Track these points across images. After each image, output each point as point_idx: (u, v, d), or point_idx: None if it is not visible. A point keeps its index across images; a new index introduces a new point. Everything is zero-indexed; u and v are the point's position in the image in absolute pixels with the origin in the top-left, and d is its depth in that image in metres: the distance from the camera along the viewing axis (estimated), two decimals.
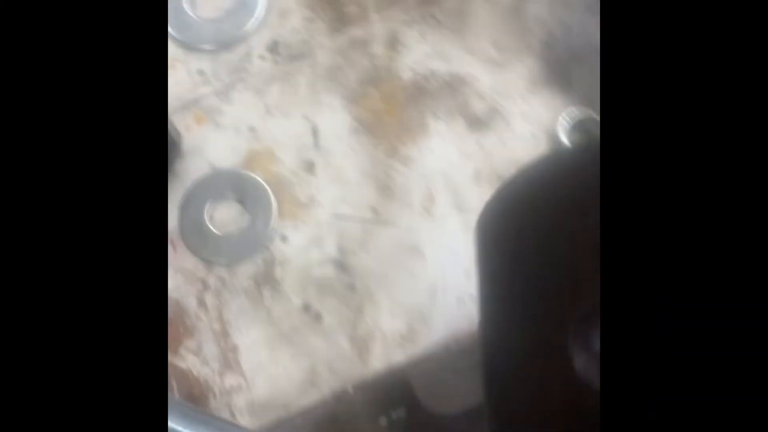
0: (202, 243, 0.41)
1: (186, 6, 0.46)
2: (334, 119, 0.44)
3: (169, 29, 0.45)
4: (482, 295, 0.29)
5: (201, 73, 0.45)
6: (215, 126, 0.44)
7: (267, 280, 0.41)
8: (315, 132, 0.44)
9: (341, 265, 0.41)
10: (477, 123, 0.44)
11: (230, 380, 0.40)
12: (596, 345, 0.24)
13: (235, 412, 0.40)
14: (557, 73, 0.44)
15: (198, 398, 0.39)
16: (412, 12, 0.45)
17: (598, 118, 0.42)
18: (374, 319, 0.41)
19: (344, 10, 0.46)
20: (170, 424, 0.32)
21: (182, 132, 0.44)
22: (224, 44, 0.45)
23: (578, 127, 0.43)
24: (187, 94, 0.45)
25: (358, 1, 0.45)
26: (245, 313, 0.41)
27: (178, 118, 0.44)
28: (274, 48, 0.45)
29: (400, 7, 0.45)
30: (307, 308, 0.41)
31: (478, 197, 0.42)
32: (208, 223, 0.42)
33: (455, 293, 0.40)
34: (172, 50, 0.46)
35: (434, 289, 0.41)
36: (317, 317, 0.41)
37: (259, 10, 0.46)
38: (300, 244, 0.42)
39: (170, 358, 0.40)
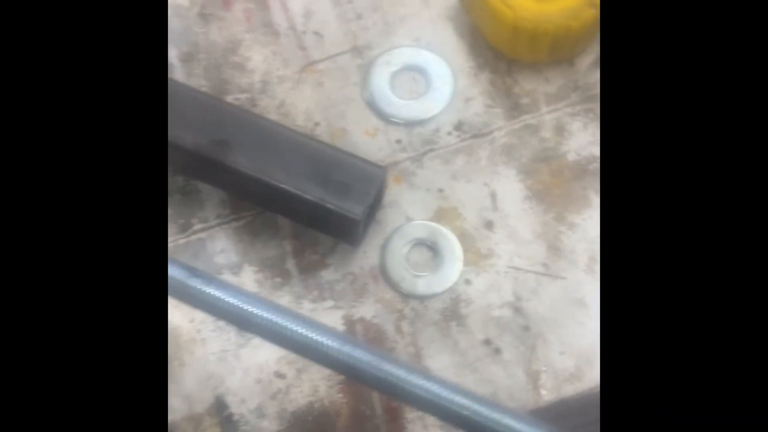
0: (400, 279, 0.49)
1: (389, 88, 0.56)
2: (510, 187, 0.53)
3: (375, 104, 0.55)
4: None
5: (398, 141, 0.55)
6: (410, 186, 0.53)
7: (454, 315, 0.49)
8: (493, 196, 0.53)
9: (517, 309, 0.49)
10: None
11: None
12: None
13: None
14: None
15: (395, 408, 0.46)
16: (576, 107, 0.55)
17: None
18: (546, 357, 0.47)
19: (519, 102, 0.55)
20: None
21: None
22: (418, 121, 0.55)
23: None
24: (387, 158, 0.54)
25: (531, 95, 0.55)
26: (435, 341, 0.48)
27: None
28: (459, 126, 0.55)
29: (566, 102, 0.55)
30: (488, 342, 0.48)
31: None
32: (405, 263, 0.50)
33: None
34: (375, 121, 0.56)
35: (598, 336, 0.48)
36: (497, 351, 0.48)
37: (448, 96, 0.56)
38: (481, 288, 0.50)
39: None
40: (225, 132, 0.48)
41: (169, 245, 0.52)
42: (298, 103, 0.57)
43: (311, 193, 0.46)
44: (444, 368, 0.47)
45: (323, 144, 0.49)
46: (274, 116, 0.57)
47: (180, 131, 0.48)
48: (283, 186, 0.47)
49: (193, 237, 0.52)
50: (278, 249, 0.52)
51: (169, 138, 0.47)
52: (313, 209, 0.47)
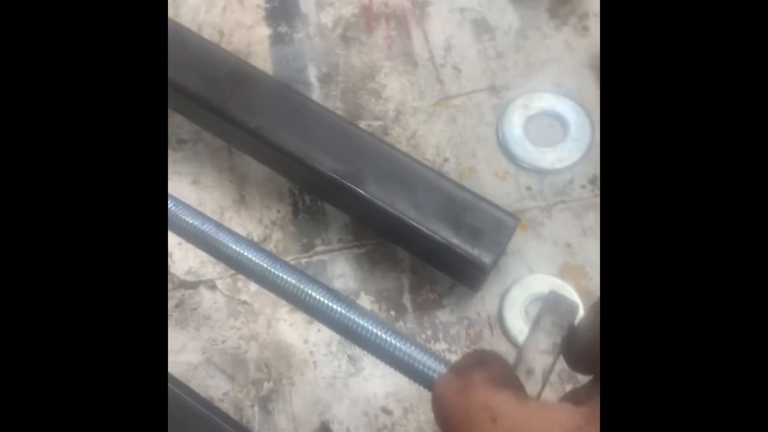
0: (517, 332, 0.48)
1: (524, 132, 0.55)
2: None
3: (507, 146, 0.54)
4: None
5: (529, 188, 0.54)
6: (536, 236, 0.52)
7: (570, 378, 0.47)
8: None
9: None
10: None
11: None
12: None
13: None
14: None
15: None
16: None
17: None
18: None
19: None
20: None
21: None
22: (552, 170, 0.54)
23: None
24: (514, 203, 0.53)
25: None
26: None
27: None
28: (594, 181, 0.53)
29: None
30: None
31: None
32: (524, 317, 0.49)
33: None
34: (506, 164, 0.55)
35: None
36: None
37: (585, 147, 0.54)
38: None
39: None
40: (361, 160, 0.49)
41: (292, 263, 0.52)
42: (430, 137, 0.57)
43: (441, 233, 0.46)
44: None
45: (456, 184, 0.48)
46: (404, 147, 0.57)
47: (319, 155, 0.49)
48: (412, 222, 0.47)
49: (315, 258, 0.53)
50: (396, 281, 0.52)
51: (309, 161, 0.49)
52: (440, 250, 0.46)
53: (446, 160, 0.56)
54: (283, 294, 0.38)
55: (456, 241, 0.46)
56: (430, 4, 0.63)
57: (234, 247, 0.39)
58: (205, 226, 0.39)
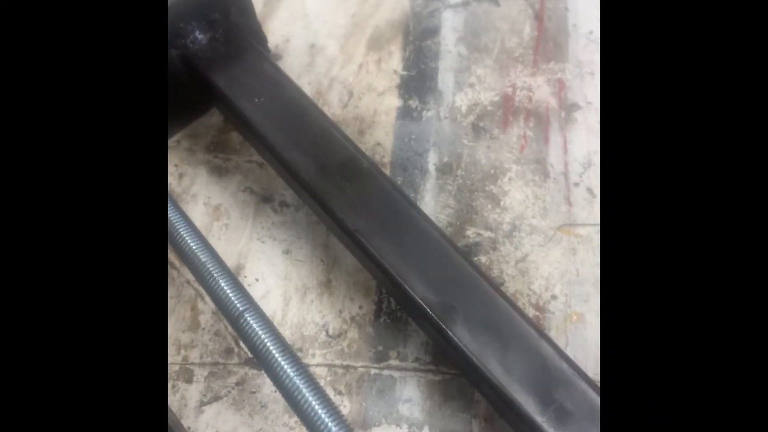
0: None
1: None
2: None
3: None
4: None
5: None
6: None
7: None
8: None
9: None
10: None
11: None
12: None
13: None
14: None
15: None
16: None
17: None
18: None
19: None
20: None
21: None
22: None
23: None
24: None
25: None
26: None
27: None
28: None
29: None
30: None
31: None
32: None
33: None
34: None
35: None
36: None
37: None
38: None
39: None
40: (455, 295, 0.44)
41: (360, 370, 0.49)
42: (542, 265, 0.51)
43: (526, 404, 0.41)
44: None
45: (557, 349, 0.43)
46: (511, 270, 0.51)
47: (412, 278, 0.44)
48: (498, 382, 0.42)
49: (385, 372, 0.49)
50: (465, 425, 0.47)
51: (400, 281, 0.45)
52: (520, 421, 0.41)
53: (554, 296, 0.50)
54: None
55: (541, 418, 0.41)
56: (579, 109, 0.57)
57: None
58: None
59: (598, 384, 0.42)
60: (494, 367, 0.42)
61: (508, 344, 0.43)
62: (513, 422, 0.44)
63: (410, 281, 0.45)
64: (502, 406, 0.43)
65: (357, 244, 0.46)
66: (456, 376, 0.48)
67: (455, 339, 0.43)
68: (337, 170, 0.48)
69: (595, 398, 0.42)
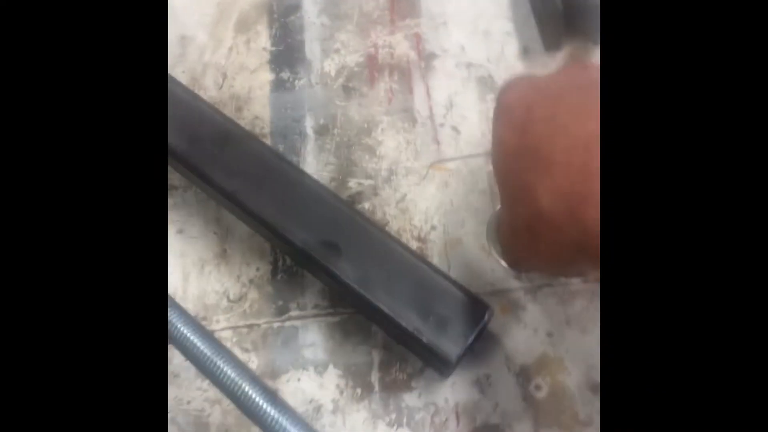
0: None
1: None
2: None
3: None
4: None
5: None
6: (516, 320, 0.50)
7: None
8: None
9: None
10: None
11: None
12: None
13: None
14: None
15: None
16: None
17: None
18: None
19: None
20: None
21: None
22: None
23: None
24: (498, 282, 0.51)
25: None
26: None
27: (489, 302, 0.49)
28: None
29: None
30: None
31: None
32: None
33: None
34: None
35: None
36: None
37: None
38: None
39: None
40: (338, 235, 0.47)
41: (263, 326, 0.52)
42: (420, 201, 0.55)
43: (408, 321, 0.44)
44: None
45: (432, 268, 0.46)
46: (392, 210, 0.55)
47: (294, 226, 0.48)
48: (381, 306, 0.45)
49: (288, 323, 0.52)
50: (366, 356, 0.50)
51: (282, 231, 0.48)
52: (407, 337, 0.45)
53: (434, 227, 0.54)
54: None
55: (422, 329, 0.44)
56: (437, 57, 0.61)
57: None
58: None
59: None
60: (376, 291, 0.45)
61: (387, 270, 0.46)
62: (404, 341, 0.48)
63: (291, 230, 0.48)
64: (391, 328, 0.46)
65: (238, 205, 0.49)
66: (352, 314, 0.52)
67: (339, 274, 0.46)
68: (208, 140, 0.50)
69: (473, 304, 0.45)
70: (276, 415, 0.38)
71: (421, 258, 0.47)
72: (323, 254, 0.47)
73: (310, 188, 0.49)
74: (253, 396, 0.38)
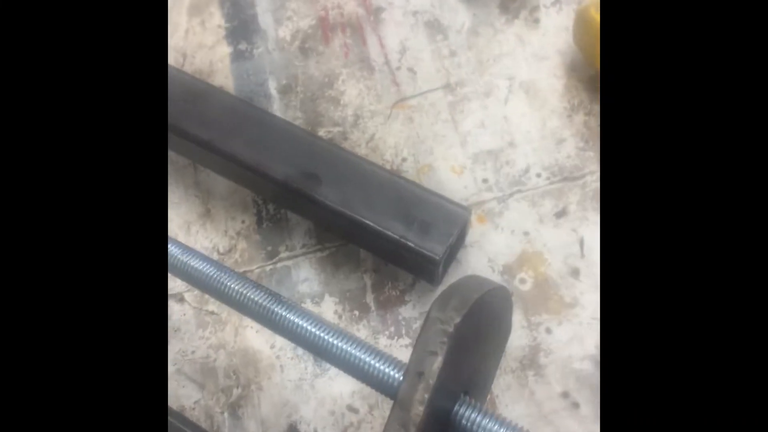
0: None
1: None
2: (599, 234, 0.51)
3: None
4: None
5: (485, 181, 0.54)
6: (494, 227, 0.53)
7: (532, 364, 0.47)
8: (581, 243, 0.51)
9: (599, 363, 0.47)
10: None
11: None
12: None
13: None
14: None
15: None
16: None
17: None
18: None
19: None
20: None
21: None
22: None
23: None
24: (472, 196, 0.54)
25: None
26: (511, 389, 0.47)
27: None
28: (549, 168, 0.54)
29: None
30: (566, 395, 0.46)
31: None
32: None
33: None
34: (462, 159, 0.56)
35: None
36: (575, 405, 0.46)
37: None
38: (563, 339, 0.48)
39: None
40: (315, 166, 0.50)
41: (256, 272, 0.54)
42: (388, 138, 0.58)
43: (393, 230, 0.47)
44: (518, 417, 0.46)
45: (408, 182, 0.49)
46: (363, 150, 0.58)
47: (273, 163, 0.50)
48: (366, 221, 0.48)
49: (279, 264, 0.54)
50: (359, 282, 0.52)
51: (262, 168, 0.50)
52: (394, 246, 0.47)
53: (404, 159, 0.57)
54: (245, 311, 0.39)
55: (407, 235, 0.47)
56: (384, 10, 0.65)
57: (194, 264, 0.40)
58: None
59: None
60: (360, 209, 0.48)
61: (367, 189, 0.49)
62: (391, 256, 0.50)
63: (272, 166, 0.50)
64: (378, 244, 0.49)
65: (215, 152, 0.51)
66: (340, 246, 0.54)
67: (322, 199, 0.49)
68: (179, 98, 0.52)
69: (449, 207, 0.48)
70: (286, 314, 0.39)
71: (397, 174, 0.50)
72: (305, 184, 0.49)
73: (284, 128, 0.52)
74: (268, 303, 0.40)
